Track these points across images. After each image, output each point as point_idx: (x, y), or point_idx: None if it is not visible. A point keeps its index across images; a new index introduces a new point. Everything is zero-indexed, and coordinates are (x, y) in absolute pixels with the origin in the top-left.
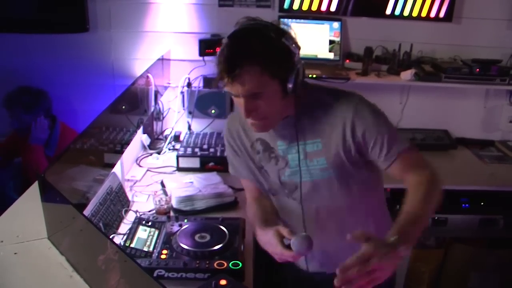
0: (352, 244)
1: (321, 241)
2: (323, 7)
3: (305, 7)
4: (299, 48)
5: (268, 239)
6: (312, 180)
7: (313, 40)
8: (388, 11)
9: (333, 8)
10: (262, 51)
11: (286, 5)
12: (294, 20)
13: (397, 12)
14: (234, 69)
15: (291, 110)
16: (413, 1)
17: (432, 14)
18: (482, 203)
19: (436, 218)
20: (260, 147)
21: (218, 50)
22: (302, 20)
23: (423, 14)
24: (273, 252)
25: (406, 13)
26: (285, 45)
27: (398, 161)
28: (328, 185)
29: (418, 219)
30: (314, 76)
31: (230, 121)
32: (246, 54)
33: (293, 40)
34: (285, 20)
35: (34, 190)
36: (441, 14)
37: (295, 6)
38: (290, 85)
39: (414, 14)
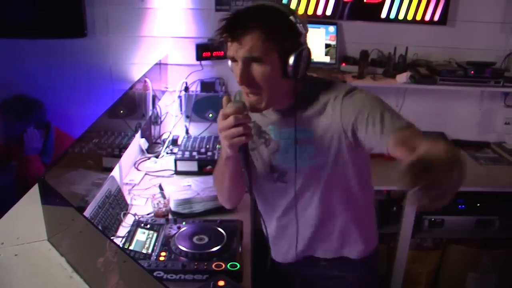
0: (341, 229)
1: (309, 223)
2: (319, 11)
3: (301, 11)
4: (306, 30)
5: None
6: (301, 166)
7: (309, 44)
8: (383, 14)
9: (328, 12)
10: (268, 19)
11: None
12: None
13: (392, 15)
14: (237, 28)
15: (288, 100)
16: (408, 4)
17: (427, 18)
18: (478, 204)
19: (433, 219)
20: (253, 130)
21: (215, 54)
22: None
23: (418, 17)
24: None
25: (401, 16)
26: (292, 22)
27: (398, 135)
28: (316, 173)
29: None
30: None
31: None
32: (251, 16)
33: (302, 21)
34: None
35: (34, 193)
36: (436, 18)
37: None
38: (290, 65)
39: (409, 17)
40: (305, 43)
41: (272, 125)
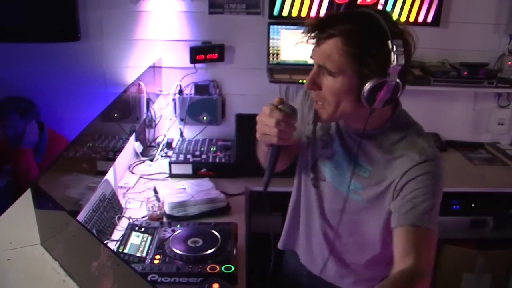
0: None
1: (334, 245)
2: (312, 13)
3: (294, 13)
4: (402, 64)
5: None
6: (342, 191)
7: (303, 46)
8: None
9: (322, 14)
10: (356, 31)
11: (275, 12)
12: (283, 26)
13: None
14: (319, 30)
15: (365, 125)
16: (401, 6)
17: (420, 19)
18: (472, 205)
19: None
20: (323, 125)
21: (209, 57)
22: (291, 27)
23: (411, 19)
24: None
25: (394, 18)
26: (386, 47)
27: (407, 230)
28: (350, 207)
29: None
30: (304, 81)
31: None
32: (339, 21)
33: (401, 51)
34: (275, 26)
35: (26, 197)
36: (429, 19)
37: (285, 13)
38: (365, 92)
39: (402, 19)
40: (393, 75)
41: (339, 137)
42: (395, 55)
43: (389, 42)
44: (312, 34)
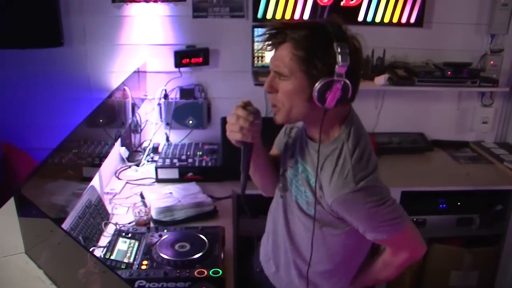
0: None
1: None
2: (296, 16)
3: (278, 16)
4: (347, 64)
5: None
6: (297, 203)
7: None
8: (360, 17)
9: (306, 16)
10: (304, 37)
11: (259, 15)
12: None
13: (369, 18)
14: (271, 37)
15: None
16: (385, 7)
17: (403, 20)
18: (458, 203)
19: (415, 219)
20: (294, 134)
21: (194, 61)
22: None
23: (395, 20)
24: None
25: (378, 19)
26: (331, 50)
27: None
28: (304, 219)
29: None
30: None
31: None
32: (289, 29)
33: (346, 52)
34: (259, 29)
35: (10, 206)
36: (412, 20)
37: (269, 16)
38: (315, 91)
39: (386, 20)
40: (340, 75)
41: (299, 144)
42: (339, 56)
43: (335, 44)
44: (268, 42)
